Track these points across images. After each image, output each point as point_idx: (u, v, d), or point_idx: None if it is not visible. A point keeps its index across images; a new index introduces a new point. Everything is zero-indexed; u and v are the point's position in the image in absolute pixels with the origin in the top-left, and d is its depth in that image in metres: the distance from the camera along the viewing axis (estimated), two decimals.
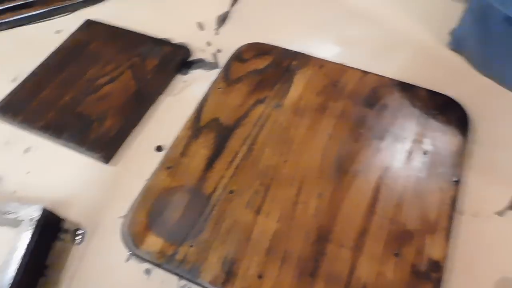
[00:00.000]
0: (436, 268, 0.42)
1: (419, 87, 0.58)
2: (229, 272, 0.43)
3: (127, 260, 0.47)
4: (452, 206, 0.46)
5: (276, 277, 0.42)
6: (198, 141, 0.53)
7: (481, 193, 0.49)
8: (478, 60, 0.62)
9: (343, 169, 0.50)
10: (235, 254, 0.44)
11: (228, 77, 0.60)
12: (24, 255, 0.44)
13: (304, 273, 0.42)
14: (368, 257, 0.43)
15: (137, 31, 0.69)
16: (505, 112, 0.57)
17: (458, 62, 0.63)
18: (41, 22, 0.75)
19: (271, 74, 0.61)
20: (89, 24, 0.71)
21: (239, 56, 0.63)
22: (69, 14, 0.75)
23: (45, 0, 0.76)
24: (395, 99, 0.56)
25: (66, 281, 0.46)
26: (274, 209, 0.47)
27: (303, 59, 0.62)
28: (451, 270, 0.44)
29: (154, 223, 0.46)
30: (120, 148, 0.56)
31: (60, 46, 0.67)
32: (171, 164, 0.51)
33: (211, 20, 0.73)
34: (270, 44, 0.65)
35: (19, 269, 0.43)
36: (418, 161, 0.50)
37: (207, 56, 0.67)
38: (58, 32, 0.72)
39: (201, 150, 0.52)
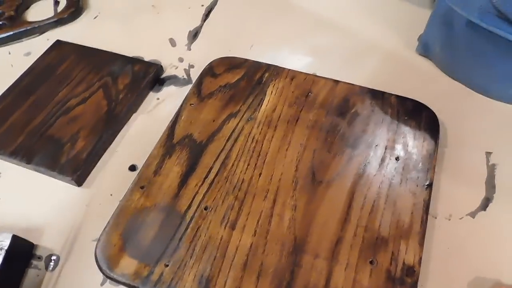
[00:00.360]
0: (411, 273, 0.42)
1: (389, 93, 0.59)
2: None
3: (102, 283, 0.46)
4: (425, 210, 0.47)
5: None
6: (171, 159, 0.53)
7: (453, 195, 0.50)
8: (445, 64, 0.63)
9: (317, 179, 0.50)
10: (211, 271, 0.43)
11: (200, 93, 0.60)
12: None
13: (280, 285, 0.42)
14: (344, 266, 0.43)
15: (107, 50, 0.69)
16: (473, 113, 0.58)
17: (426, 66, 0.64)
18: (9, 44, 0.74)
19: (243, 87, 0.61)
20: (59, 45, 0.70)
21: (211, 70, 0.63)
22: (38, 35, 0.75)
23: (12, 22, 0.75)
24: (366, 107, 0.57)
25: None
26: (249, 223, 0.47)
27: (274, 71, 0.63)
28: (426, 273, 0.44)
29: (128, 245, 0.46)
30: (93, 170, 0.55)
31: (29, 68, 0.66)
32: (144, 183, 0.51)
33: (183, 36, 0.73)
34: (241, 57, 0.65)
35: None
36: (391, 167, 0.51)
37: (179, 72, 0.67)
38: (27, 54, 0.72)
39: (174, 167, 0.52)
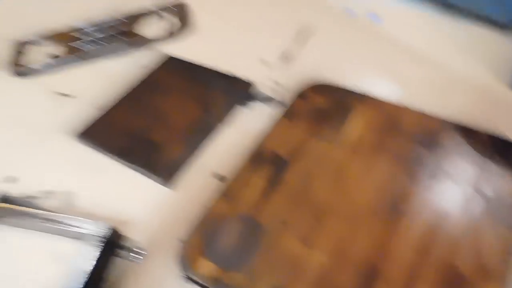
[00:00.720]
0: None
1: (479, 129, 0.57)
2: None
3: (180, 281, 0.49)
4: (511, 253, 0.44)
5: None
6: (256, 172, 0.56)
7: None
8: None
9: (397, 208, 0.50)
10: (283, 284, 0.45)
11: (288, 112, 0.63)
12: (90, 269, 0.48)
13: None
14: None
15: (206, 66, 0.75)
16: None
17: None
18: (124, 56, 0.83)
19: (331, 111, 0.63)
20: (166, 60, 0.78)
21: (300, 92, 0.66)
22: (149, 49, 0.83)
23: (129, 36, 0.85)
24: (453, 141, 0.56)
25: None
26: (326, 243, 0.48)
27: (362, 98, 0.64)
28: None
29: (208, 248, 0.49)
30: (182, 173, 0.60)
31: (140, 79, 0.74)
32: (229, 192, 0.54)
33: (274, 56, 0.77)
34: (330, 82, 0.67)
35: (87, 281, 0.47)
36: (476, 204, 0.49)
37: (268, 90, 0.70)
38: (139, 66, 0.80)
39: (258, 181, 0.54)
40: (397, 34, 0.77)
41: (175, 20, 0.88)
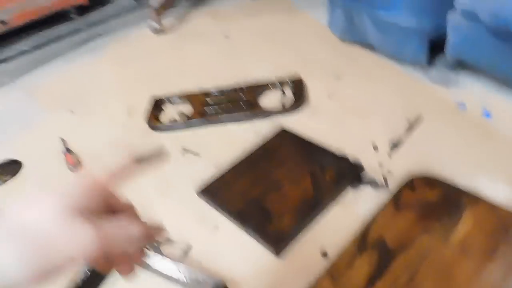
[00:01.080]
0: None
1: None
2: None
3: None
4: None
5: None
6: (362, 257, 0.58)
7: None
8: None
9: None
10: None
11: (397, 202, 0.65)
12: None
13: None
14: None
15: (319, 142, 0.80)
16: None
17: None
18: (245, 122, 0.92)
19: (440, 207, 0.64)
20: (282, 131, 0.85)
21: (410, 184, 0.68)
22: (266, 119, 0.91)
23: (250, 106, 0.94)
24: None
25: None
26: None
27: (473, 198, 0.64)
28: None
29: None
30: (290, 245, 0.64)
31: (257, 146, 0.82)
32: (335, 273, 0.57)
33: (385, 142, 0.80)
34: (440, 176, 0.69)
35: None
36: None
37: (377, 176, 0.73)
38: (256, 133, 0.88)
39: (364, 266, 0.57)
40: (507, 131, 0.77)
41: (291, 94, 0.96)
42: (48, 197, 0.28)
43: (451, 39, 0.90)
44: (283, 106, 0.94)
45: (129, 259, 0.32)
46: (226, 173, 0.77)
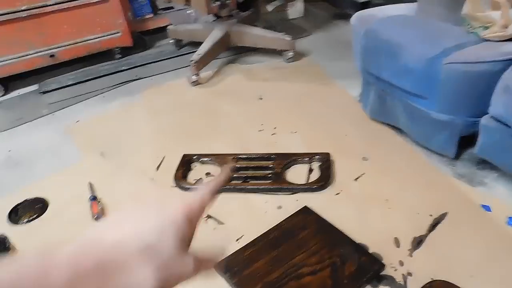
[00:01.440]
0: None
1: None
2: None
3: None
4: None
5: None
6: None
7: None
8: None
9: None
10: None
11: None
12: None
13: None
14: None
15: (341, 229, 0.81)
16: None
17: None
18: (268, 194, 0.93)
19: None
20: (305, 211, 0.86)
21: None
22: (290, 194, 0.93)
23: (276, 178, 0.96)
24: None
25: None
26: None
27: None
28: None
29: None
30: None
31: (279, 223, 0.83)
32: None
33: (407, 239, 0.80)
34: (460, 284, 0.68)
35: None
36: None
37: (397, 275, 0.73)
38: (279, 207, 0.89)
39: None
40: None
41: (318, 171, 0.98)
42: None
43: (481, 140, 0.92)
44: (309, 182, 0.95)
45: None
46: (246, 249, 0.78)
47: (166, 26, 1.76)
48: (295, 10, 2.00)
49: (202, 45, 1.51)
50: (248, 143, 1.12)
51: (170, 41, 1.75)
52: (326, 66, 1.53)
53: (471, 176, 0.96)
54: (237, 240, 0.81)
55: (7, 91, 1.55)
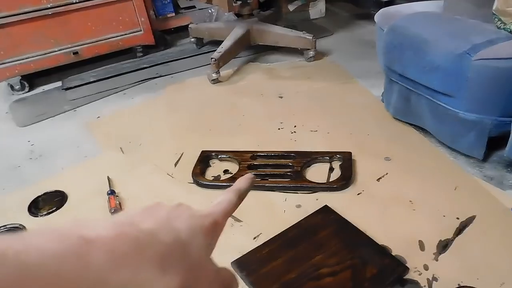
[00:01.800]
0: None
1: None
2: None
3: None
4: None
5: None
6: None
7: None
8: None
9: None
10: None
11: None
12: None
13: None
14: None
15: (362, 229, 0.78)
16: None
17: None
18: (287, 192, 0.91)
19: None
20: (325, 210, 0.83)
21: None
22: (310, 193, 0.90)
23: (296, 176, 0.94)
24: None
25: None
26: None
27: None
28: None
29: None
30: None
31: (298, 222, 0.80)
32: None
33: (432, 243, 0.76)
34: None
35: None
36: None
37: (422, 280, 0.70)
38: (298, 206, 0.87)
39: None
40: None
41: (339, 170, 0.95)
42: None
43: None
44: (330, 182, 0.93)
45: None
46: (264, 247, 0.76)
47: (188, 25, 1.76)
48: (317, 10, 1.98)
49: (223, 43, 1.50)
50: (267, 140, 1.11)
51: (191, 40, 1.75)
52: (348, 66, 1.50)
53: (500, 178, 0.92)
54: (255, 238, 0.80)
55: (32, 87, 1.57)
